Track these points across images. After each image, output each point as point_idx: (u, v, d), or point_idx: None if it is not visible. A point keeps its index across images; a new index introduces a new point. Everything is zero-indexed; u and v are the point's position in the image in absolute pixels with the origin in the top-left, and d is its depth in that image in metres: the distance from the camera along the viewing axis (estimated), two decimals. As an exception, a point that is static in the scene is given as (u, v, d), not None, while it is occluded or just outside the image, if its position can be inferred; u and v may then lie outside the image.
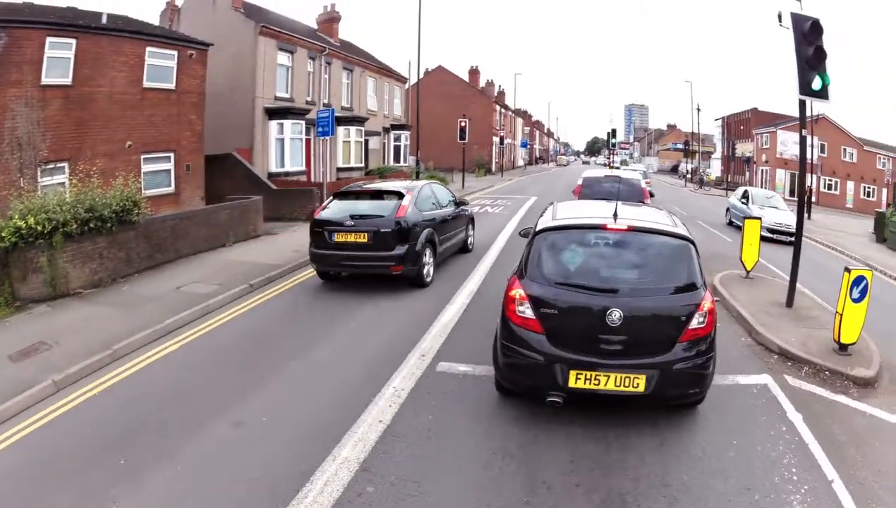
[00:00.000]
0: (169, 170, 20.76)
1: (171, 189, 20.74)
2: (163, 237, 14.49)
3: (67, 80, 17.25)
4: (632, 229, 6.62)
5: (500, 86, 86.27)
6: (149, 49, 19.63)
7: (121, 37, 18.72)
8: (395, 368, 7.90)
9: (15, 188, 13.36)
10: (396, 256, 11.41)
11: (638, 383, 5.89)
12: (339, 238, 11.59)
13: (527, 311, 6.22)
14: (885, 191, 58.11)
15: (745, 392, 7.59)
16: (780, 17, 11.16)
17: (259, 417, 6.62)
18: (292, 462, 5.73)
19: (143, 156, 19.60)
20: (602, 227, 6.68)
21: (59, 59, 17.08)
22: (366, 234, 11.44)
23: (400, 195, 12.17)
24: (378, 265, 11.56)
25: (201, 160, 21.98)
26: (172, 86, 20.57)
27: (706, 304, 6.15)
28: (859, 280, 8.65)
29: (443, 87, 66.54)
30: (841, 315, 8.72)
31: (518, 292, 6.34)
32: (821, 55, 10.71)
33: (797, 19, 10.86)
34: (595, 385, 5.92)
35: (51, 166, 16.39)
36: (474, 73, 76.91)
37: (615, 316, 5.88)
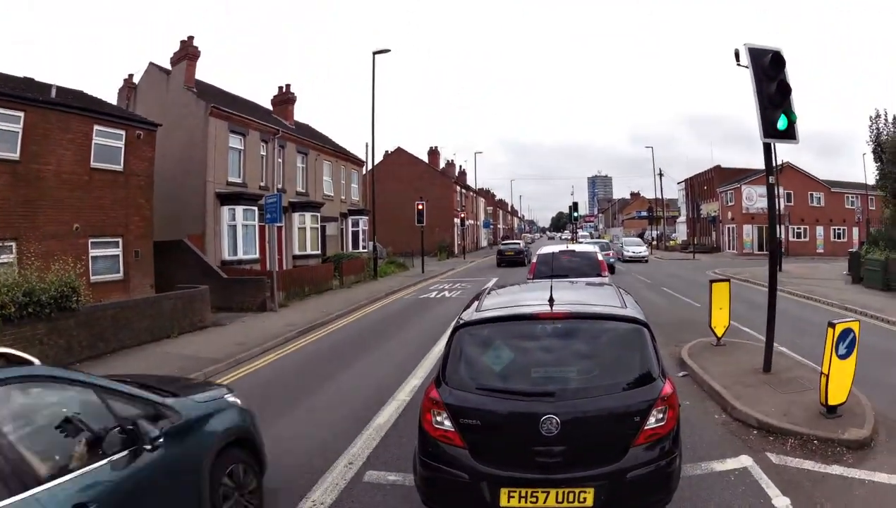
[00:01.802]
0: (117, 256, 20.66)
1: (120, 275, 20.63)
2: (104, 326, 14.53)
3: (15, 155, 17.27)
4: (571, 316, 5.91)
5: (460, 166, 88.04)
6: (96, 127, 19.73)
7: (69, 113, 18.84)
8: (318, 477, 7.36)
9: None
10: None
11: (585, 497, 5.14)
12: None
13: (445, 422, 5.44)
14: (856, 230, 60.31)
15: (721, 481, 6.93)
16: (737, 55, 10.85)
17: None
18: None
19: (90, 240, 19.52)
20: (535, 317, 5.95)
21: (6, 131, 17.25)
22: None
23: None
24: None
25: (150, 246, 21.95)
26: (120, 167, 20.64)
27: (666, 398, 5.42)
28: (846, 334, 8.25)
29: (402, 169, 67.76)
30: (827, 376, 8.28)
31: (435, 401, 5.57)
32: (784, 90, 10.41)
33: (756, 54, 10.61)
34: (532, 503, 5.18)
35: (-1, 245, 16.33)
36: (434, 153, 78.38)
37: (551, 423, 5.12)
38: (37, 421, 4.22)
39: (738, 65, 10.84)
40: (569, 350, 5.86)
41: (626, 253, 53.05)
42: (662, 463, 5.31)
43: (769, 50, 10.56)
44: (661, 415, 5.33)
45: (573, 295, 6.84)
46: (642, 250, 55.22)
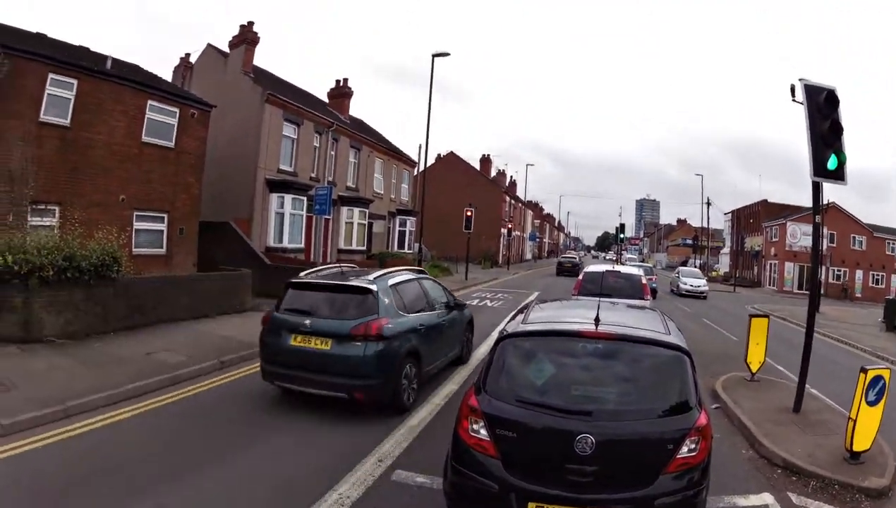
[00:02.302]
0: (162, 231, 20.53)
1: (163, 250, 20.51)
2: (143, 299, 14.42)
3: (66, 122, 17.24)
4: (615, 337, 5.87)
5: (511, 176, 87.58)
6: (150, 102, 19.67)
7: (123, 85, 18.79)
8: (348, 470, 7.29)
9: (1, 222, 13.56)
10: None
11: None
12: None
13: (481, 431, 5.49)
14: (894, 277, 60.91)
15: None
16: (792, 90, 10.71)
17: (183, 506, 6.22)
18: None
19: (135, 213, 19.44)
20: (579, 334, 5.90)
21: (59, 97, 17.07)
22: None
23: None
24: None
25: (196, 225, 21.84)
26: (172, 144, 20.55)
27: (700, 429, 5.40)
28: (876, 381, 8.24)
29: (453, 174, 67.41)
30: (854, 420, 8.27)
31: (473, 408, 5.62)
32: (837, 130, 10.27)
33: (811, 91, 10.49)
34: None
35: (41, 207, 16.32)
36: (486, 161, 78.23)
37: (586, 443, 5.12)
38: (431, 292, 12.04)
39: (794, 100, 10.70)
40: (609, 371, 5.84)
41: (682, 285, 43.38)
42: (690, 493, 5.28)
43: (824, 88, 10.44)
44: (693, 445, 5.30)
45: (618, 317, 6.70)
46: (702, 284, 43.69)
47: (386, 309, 9.75)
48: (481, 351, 15.02)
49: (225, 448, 7.80)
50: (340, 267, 12.15)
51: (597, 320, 5.97)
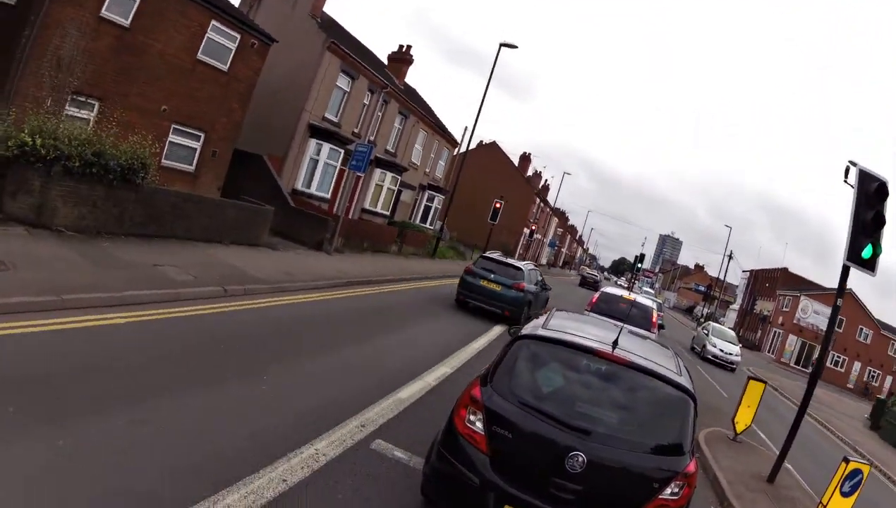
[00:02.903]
0: (195, 150, 20.43)
1: (192, 168, 20.44)
2: (162, 210, 14.40)
3: (126, 22, 16.86)
4: (629, 364, 5.77)
5: (546, 179, 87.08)
6: (213, 22, 19.47)
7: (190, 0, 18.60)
8: (328, 428, 7.20)
9: (39, 105, 13.36)
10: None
11: None
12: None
13: (477, 424, 5.45)
14: (889, 378, 61.00)
15: None
16: (846, 172, 10.61)
17: (161, 424, 6.11)
18: (168, 497, 5.11)
19: (173, 126, 19.30)
20: (596, 353, 5.81)
21: (124, -3, 16.87)
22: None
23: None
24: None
25: (230, 151, 21.77)
26: (225, 68, 20.40)
27: (688, 475, 5.34)
28: (854, 473, 8.25)
29: (491, 164, 67.16)
30: (825, 507, 8.31)
31: (475, 399, 5.57)
32: (880, 221, 10.26)
33: (864, 177, 10.41)
34: None
35: (82, 99, 16.15)
36: (525, 159, 77.64)
37: (577, 460, 5.08)
38: (538, 276, 22.64)
39: (845, 181, 10.62)
40: (616, 395, 5.82)
41: (710, 346, 33.66)
42: None
43: (878, 178, 10.40)
44: (677, 490, 5.26)
45: (636, 346, 6.51)
46: (735, 351, 33.75)
47: (526, 278, 19.98)
48: (479, 343, 15.00)
49: (212, 376, 7.73)
50: (501, 253, 24.35)
51: (615, 343, 5.90)
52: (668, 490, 5.20)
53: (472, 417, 5.48)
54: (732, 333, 38.19)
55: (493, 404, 5.46)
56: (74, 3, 15.43)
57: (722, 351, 32.87)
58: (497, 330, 17.51)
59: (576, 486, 5.08)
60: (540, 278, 22.44)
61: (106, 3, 16.31)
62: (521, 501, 5.11)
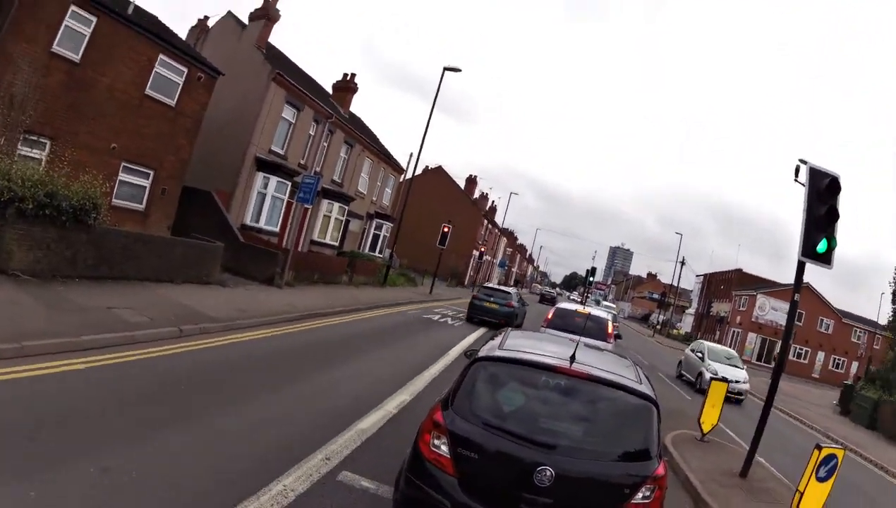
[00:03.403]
0: (145, 188, 20.36)
1: (142, 207, 20.34)
2: (114, 251, 14.36)
3: (76, 57, 17.10)
4: (589, 377, 5.90)
5: (493, 201, 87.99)
6: (161, 56, 19.52)
7: (139, 33, 18.66)
8: (293, 463, 7.21)
9: None
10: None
11: None
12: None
13: (442, 447, 5.50)
14: (855, 363, 62.64)
15: None
16: (797, 170, 10.89)
17: (128, 470, 6.09)
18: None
19: (123, 164, 19.23)
20: (555, 369, 5.94)
21: (76, 32, 16.88)
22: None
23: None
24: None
25: (179, 188, 21.70)
26: (173, 103, 20.40)
27: (657, 479, 5.49)
28: (829, 459, 8.38)
29: (437, 189, 67.71)
30: (801, 493, 8.38)
31: (438, 424, 5.62)
32: (833, 216, 10.50)
33: (815, 175, 10.70)
34: None
35: (33, 138, 16.02)
36: (471, 181, 78.79)
37: (545, 475, 5.17)
38: (520, 297, 35.07)
39: (796, 180, 10.88)
40: (578, 409, 5.95)
41: (708, 374, 23.98)
42: None
43: (829, 174, 10.66)
44: (648, 493, 5.39)
45: (593, 359, 6.67)
46: (742, 377, 25.81)
47: (513, 298, 29.77)
48: (436, 368, 15.12)
49: (175, 417, 7.76)
50: (496, 282, 45.81)
51: (573, 358, 6.04)
52: (640, 495, 5.35)
53: (436, 441, 5.53)
54: (734, 353, 29.66)
55: (456, 427, 5.53)
56: (27, 37, 15.48)
57: (724, 378, 20.72)
58: (453, 353, 17.71)
59: (546, 500, 5.19)
60: (520, 297, 33.53)
61: (57, 38, 16.36)
62: None
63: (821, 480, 8.30)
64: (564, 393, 5.95)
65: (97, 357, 9.21)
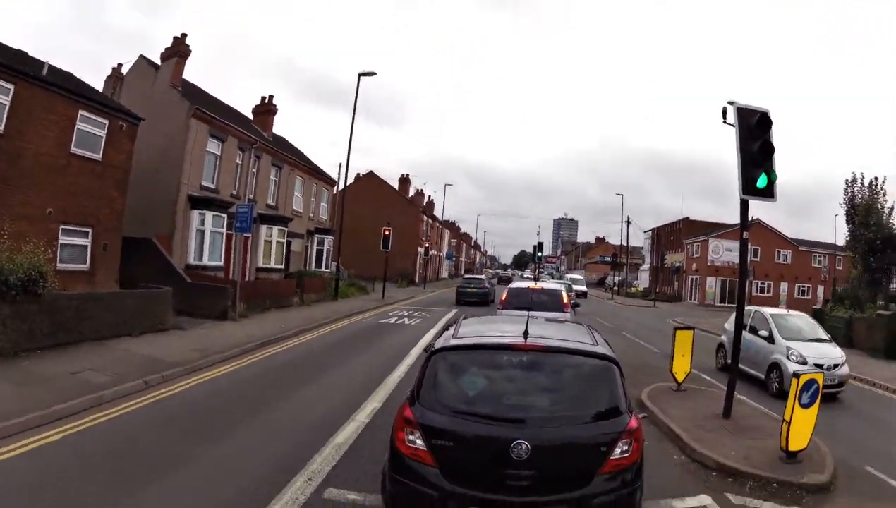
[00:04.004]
0: (86, 247, 20.29)
1: (87, 267, 20.28)
2: (68, 316, 14.45)
3: (0, 129, 17.14)
4: (544, 349, 6.22)
5: (429, 196, 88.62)
6: (81, 112, 19.51)
7: (57, 93, 18.77)
8: (277, 491, 7.25)
9: None
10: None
11: None
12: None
13: (417, 441, 5.65)
14: (821, 288, 62.67)
15: None
16: (724, 112, 10.94)
17: None
18: None
19: (61, 227, 19.18)
20: (510, 347, 6.24)
21: (-6, 104, 17.08)
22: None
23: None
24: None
25: (119, 241, 21.67)
26: (99, 157, 20.38)
27: (631, 431, 5.73)
28: (810, 384, 8.51)
29: (372, 194, 67.77)
30: (788, 423, 8.48)
31: (408, 420, 5.78)
32: (768, 150, 10.58)
33: (743, 114, 10.79)
34: None
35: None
36: (405, 181, 79.32)
37: (521, 448, 5.36)
38: (488, 280, 55.67)
39: (725, 122, 10.98)
40: (540, 380, 6.17)
41: (791, 363, 14.77)
42: (625, 492, 5.61)
43: (757, 110, 10.78)
44: (626, 447, 5.62)
45: (546, 331, 7.09)
46: (836, 357, 15.58)
47: (486, 282, 47.92)
48: (399, 371, 15.36)
49: (154, 469, 7.81)
50: (476, 273, 79.50)
51: (525, 333, 6.31)
52: (618, 451, 5.58)
53: (410, 437, 5.68)
54: (810, 320, 19.02)
55: (427, 419, 5.71)
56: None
57: (818, 365, 14.78)
58: (414, 352, 17.94)
59: (528, 472, 5.37)
60: (490, 280, 55.84)
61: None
62: (483, 500, 5.40)
63: (805, 406, 8.49)
64: (524, 368, 6.19)
65: (70, 424, 9.29)
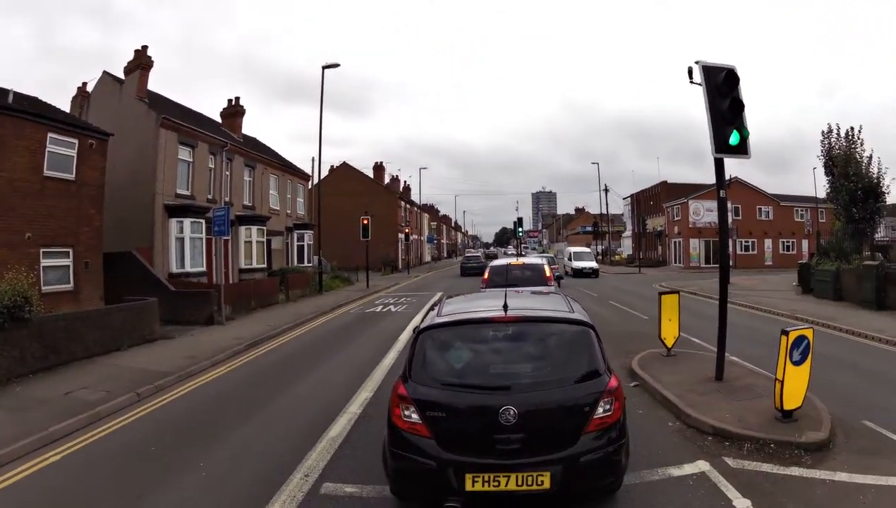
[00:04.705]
0: (68, 267, 20.37)
1: (71, 286, 20.37)
2: (57, 337, 14.55)
3: (-28, 162, 16.91)
4: (523, 319, 6.66)
5: (405, 181, 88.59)
6: (50, 134, 19.49)
7: (24, 119, 18.80)
8: (275, 490, 7.32)
9: None
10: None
11: (542, 480, 5.74)
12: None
13: (413, 415, 6.06)
14: (805, 242, 62.33)
15: (680, 485, 7.07)
16: (690, 72, 10.90)
17: None
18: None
19: (42, 250, 19.24)
20: (491, 320, 6.72)
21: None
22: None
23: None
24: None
25: (100, 257, 21.72)
26: (72, 176, 20.41)
27: (611, 391, 6.11)
28: (799, 341, 8.45)
29: (347, 184, 67.69)
30: (781, 381, 8.43)
31: (403, 396, 6.20)
32: (738, 107, 10.57)
33: (709, 72, 10.75)
34: (495, 486, 5.77)
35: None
36: (379, 169, 78.96)
37: (509, 414, 5.78)
38: (483, 257, 68.06)
39: (692, 82, 10.99)
40: (523, 349, 6.64)
41: None
42: (611, 449, 5.99)
43: (723, 67, 10.77)
44: (608, 406, 6.03)
45: (525, 303, 7.49)
46: None
47: (482, 258, 60.06)
48: (389, 357, 15.67)
49: (154, 479, 7.90)
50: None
51: (505, 306, 6.74)
52: (601, 409, 5.99)
53: (406, 412, 6.09)
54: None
55: (419, 394, 6.13)
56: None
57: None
58: (403, 338, 18.28)
59: (517, 435, 5.79)
60: (486, 256, 68.19)
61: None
62: (478, 465, 5.80)
63: (796, 364, 8.43)
64: (507, 339, 6.67)
65: (70, 443, 9.40)
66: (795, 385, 8.53)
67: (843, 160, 33.08)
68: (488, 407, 5.90)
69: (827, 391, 10.24)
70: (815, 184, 53.99)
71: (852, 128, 33.72)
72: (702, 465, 7.58)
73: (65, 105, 26.64)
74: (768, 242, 68.24)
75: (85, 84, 30.24)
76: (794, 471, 7.30)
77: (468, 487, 5.77)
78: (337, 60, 36.03)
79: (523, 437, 5.81)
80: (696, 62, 10.91)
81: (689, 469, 7.52)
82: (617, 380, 6.34)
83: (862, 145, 33.49)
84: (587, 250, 61.70)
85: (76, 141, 20.66)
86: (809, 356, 8.58)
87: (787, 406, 8.59)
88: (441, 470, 5.84)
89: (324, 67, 35.86)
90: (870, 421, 9.21)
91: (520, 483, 5.75)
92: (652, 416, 9.89)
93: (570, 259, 54.04)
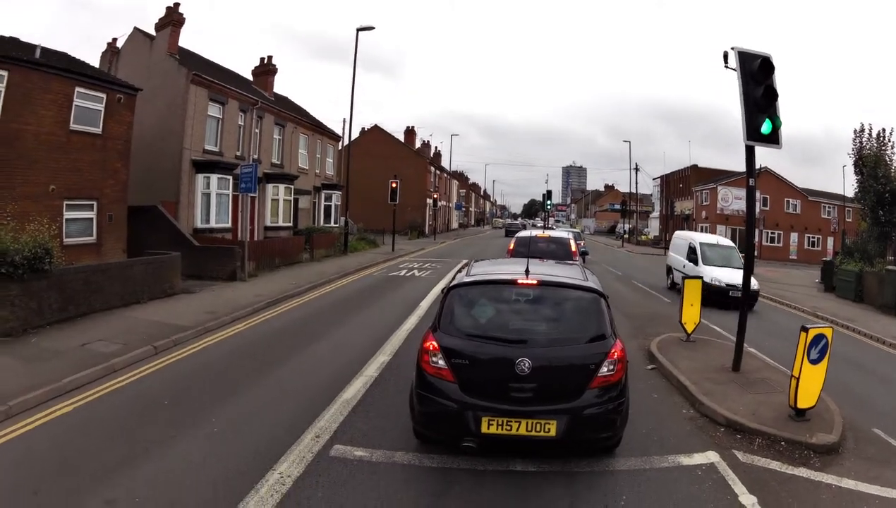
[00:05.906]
0: (91, 219, 20.35)
1: (93, 239, 20.38)
2: (76, 289, 14.49)
3: (-3, 113, 17.14)
4: (542, 283, 7.35)
5: (436, 147, 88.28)
6: (78, 89, 19.43)
7: (51, 74, 18.66)
8: (285, 449, 7.38)
9: None
10: None
11: (549, 428, 6.41)
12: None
13: (440, 362, 6.75)
14: (830, 239, 61.19)
15: (688, 474, 7.05)
16: (725, 57, 10.91)
17: (132, 497, 6.18)
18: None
19: (65, 203, 19.25)
20: (513, 282, 7.38)
21: (-9, 90, 16.71)
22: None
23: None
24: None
25: (124, 211, 21.74)
26: (99, 130, 20.35)
27: (615, 353, 6.75)
28: (818, 339, 8.35)
29: (378, 147, 67.60)
30: (797, 378, 8.36)
31: (431, 344, 6.89)
32: (771, 96, 10.47)
33: (745, 58, 10.67)
34: (507, 430, 6.43)
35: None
36: (410, 133, 78.50)
37: (524, 365, 6.45)
38: (518, 227, 76.93)
39: (727, 67, 10.95)
40: (540, 310, 7.40)
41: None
42: (611, 406, 6.67)
43: (759, 55, 10.66)
44: (611, 366, 6.72)
45: (544, 269, 8.27)
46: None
47: (520, 226, 71.28)
48: (410, 322, 15.60)
49: (165, 434, 7.86)
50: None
51: (527, 271, 7.45)
52: (605, 369, 6.68)
53: (434, 359, 6.81)
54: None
55: (446, 342, 6.87)
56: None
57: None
58: (424, 305, 18.26)
59: (530, 385, 6.50)
60: (523, 225, 79.28)
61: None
62: (493, 409, 6.49)
63: (814, 362, 8.36)
64: (526, 300, 7.42)
65: (82, 395, 9.38)
66: (811, 383, 8.47)
67: (873, 160, 32.47)
68: (506, 358, 6.57)
69: (840, 393, 10.14)
70: (844, 182, 53.15)
71: (884, 130, 33.24)
72: (712, 456, 7.62)
73: (94, 59, 26.59)
74: (794, 236, 67.11)
75: (115, 40, 30.00)
76: (802, 472, 7.28)
77: (484, 429, 6.47)
78: (373, 24, 35.26)
79: (535, 387, 6.52)
80: (732, 48, 10.82)
81: (698, 459, 7.55)
82: (621, 344, 7.01)
83: (893, 148, 32.97)
84: (729, 243, 26.39)
85: (104, 95, 20.51)
86: (827, 355, 8.49)
87: (801, 404, 8.54)
88: (461, 413, 6.53)
89: (358, 30, 35.53)
90: (880, 429, 9.11)
91: (529, 429, 6.44)
92: (667, 401, 9.93)
93: (702, 259, 23.17)
